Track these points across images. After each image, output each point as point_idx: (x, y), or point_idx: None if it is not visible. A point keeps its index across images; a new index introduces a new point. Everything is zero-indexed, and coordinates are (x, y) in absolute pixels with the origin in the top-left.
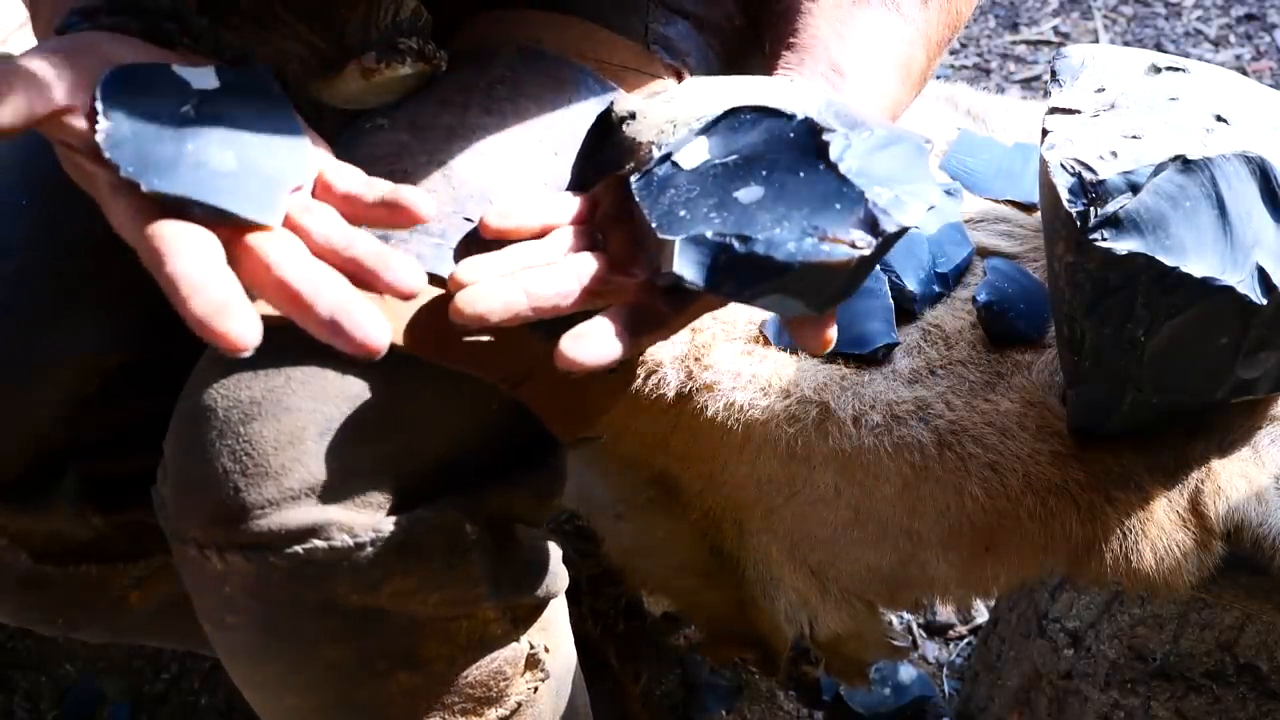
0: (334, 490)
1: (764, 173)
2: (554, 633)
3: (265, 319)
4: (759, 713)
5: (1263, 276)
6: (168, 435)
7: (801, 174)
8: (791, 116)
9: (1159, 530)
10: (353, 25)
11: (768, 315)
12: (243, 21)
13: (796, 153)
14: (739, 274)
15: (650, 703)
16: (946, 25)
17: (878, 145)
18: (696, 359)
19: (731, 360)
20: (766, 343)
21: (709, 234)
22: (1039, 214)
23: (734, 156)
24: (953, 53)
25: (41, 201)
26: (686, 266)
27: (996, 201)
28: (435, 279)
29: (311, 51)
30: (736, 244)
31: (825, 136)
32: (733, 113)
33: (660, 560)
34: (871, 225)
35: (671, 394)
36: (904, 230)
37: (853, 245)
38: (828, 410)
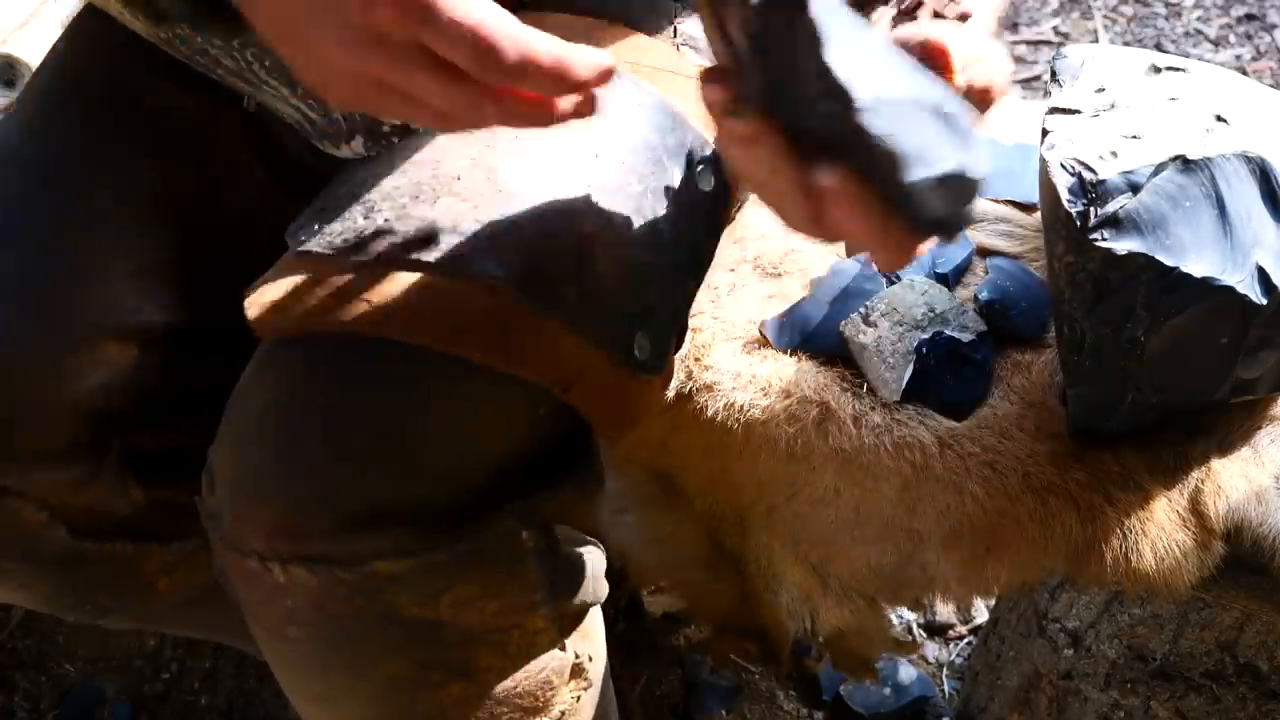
0: (398, 501)
1: None
2: (594, 640)
3: (321, 328)
4: (759, 713)
5: (1263, 276)
6: (218, 446)
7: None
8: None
9: (1159, 530)
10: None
11: (767, 315)
12: (226, 75)
13: None
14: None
15: (650, 703)
16: None
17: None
18: (696, 359)
19: (731, 360)
20: (766, 343)
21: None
22: (1039, 214)
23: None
24: None
25: (69, 171)
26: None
27: (996, 201)
28: (484, 279)
29: (303, 117)
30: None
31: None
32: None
33: (664, 554)
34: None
35: (671, 394)
36: None
37: None
38: (828, 410)
